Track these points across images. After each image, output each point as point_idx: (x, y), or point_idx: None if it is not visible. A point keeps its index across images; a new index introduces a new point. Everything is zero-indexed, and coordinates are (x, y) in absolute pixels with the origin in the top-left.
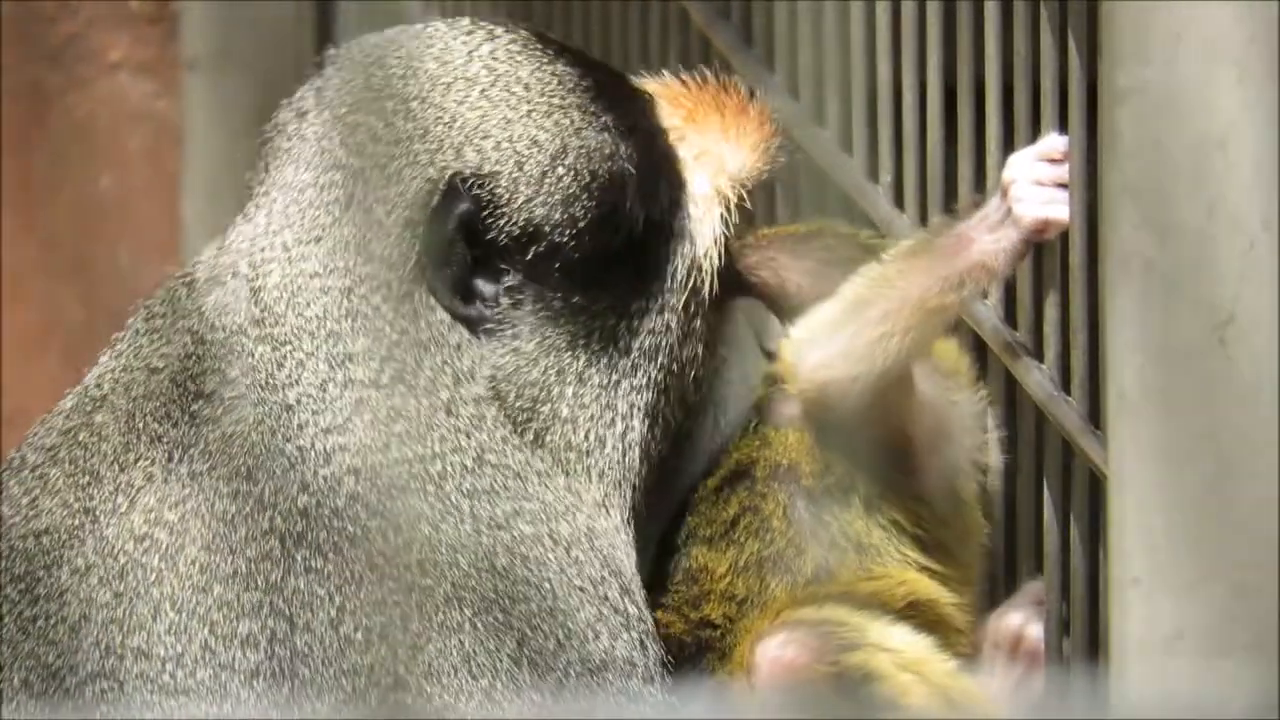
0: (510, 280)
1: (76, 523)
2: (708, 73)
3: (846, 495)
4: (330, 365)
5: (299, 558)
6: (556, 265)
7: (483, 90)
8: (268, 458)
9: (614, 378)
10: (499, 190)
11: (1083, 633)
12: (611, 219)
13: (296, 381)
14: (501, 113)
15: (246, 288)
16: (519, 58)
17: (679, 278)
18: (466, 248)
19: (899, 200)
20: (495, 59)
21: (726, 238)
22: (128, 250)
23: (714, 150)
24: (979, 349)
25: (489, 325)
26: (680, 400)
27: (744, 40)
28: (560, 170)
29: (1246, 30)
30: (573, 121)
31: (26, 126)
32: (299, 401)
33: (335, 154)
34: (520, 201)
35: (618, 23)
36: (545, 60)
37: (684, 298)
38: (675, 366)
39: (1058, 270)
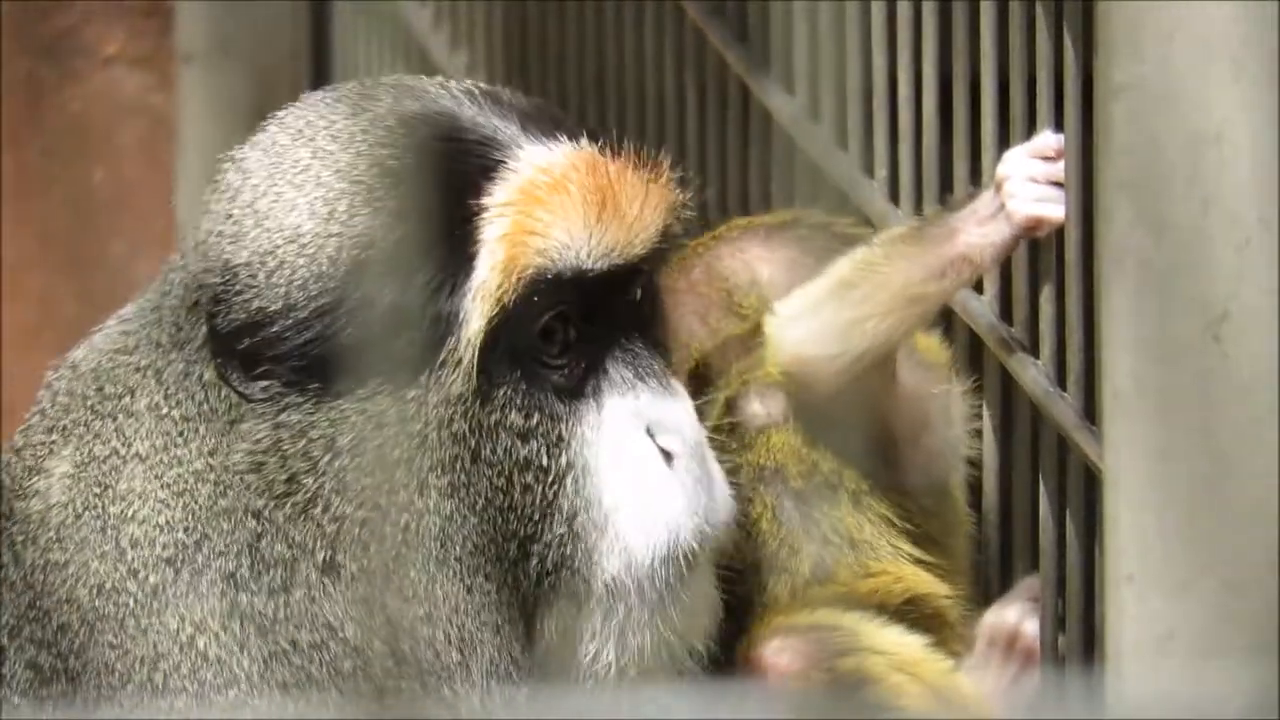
0: (259, 367)
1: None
2: (606, 139)
3: (834, 492)
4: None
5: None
6: (295, 350)
7: (289, 178)
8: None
9: (393, 455)
10: (236, 281)
11: (1078, 629)
12: (341, 306)
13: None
14: (280, 201)
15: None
16: (345, 141)
17: (445, 371)
18: (213, 334)
19: (894, 195)
20: (323, 140)
21: (524, 332)
22: (123, 243)
23: (520, 231)
24: (974, 344)
25: (254, 404)
26: (504, 492)
27: (739, 36)
28: (285, 258)
29: (1242, 27)
30: (343, 209)
31: (22, 120)
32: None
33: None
34: (248, 294)
35: (612, 21)
36: (367, 144)
37: (453, 391)
38: (470, 459)
39: (1053, 266)
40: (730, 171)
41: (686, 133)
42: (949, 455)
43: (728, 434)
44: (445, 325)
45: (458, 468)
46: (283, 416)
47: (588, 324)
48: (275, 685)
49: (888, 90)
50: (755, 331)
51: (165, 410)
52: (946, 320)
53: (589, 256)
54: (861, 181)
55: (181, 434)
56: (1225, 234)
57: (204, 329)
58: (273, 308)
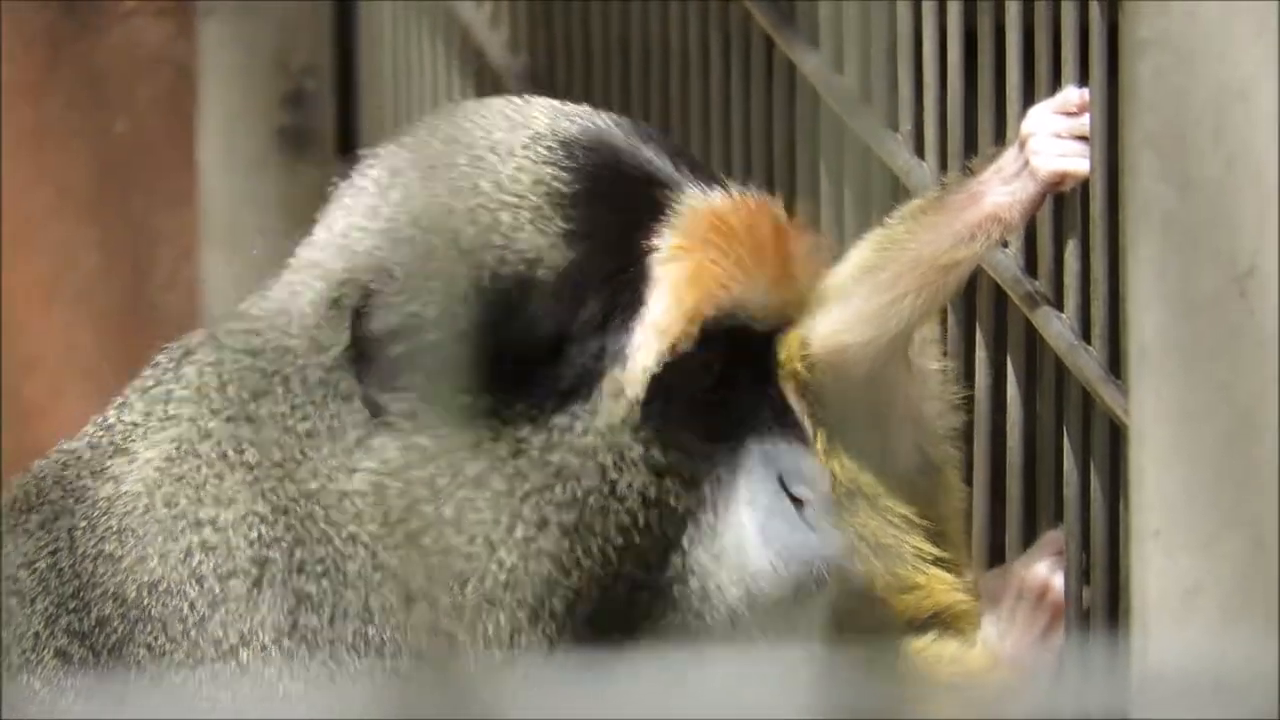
0: (401, 378)
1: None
2: (761, 194)
3: (853, 500)
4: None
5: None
6: (442, 364)
7: (445, 182)
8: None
9: (523, 488)
10: (390, 282)
11: (1103, 582)
12: (507, 325)
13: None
14: (436, 202)
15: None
16: (505, 154)
17: (600, 401)
18: (357, 338)
19: (919, 149)
20: (481, 150)
21: (685, 374)
22: (143, 196)
23: (703, 277)
24: (999, 298)
25: (387, 418)
26: (627, 531)
27: None
28: (445, 264)
29: None
30: (507, 221)
31: (43, 72)
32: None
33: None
34: (401, 297)
35: None
36: (530, 160)
37: (604, 422)
38: (605, 492)
39: (1078, 219)
40: (754, 126)
41: (711, 86)
42: (941, 431)
43: None
44: (609, 358)
45: (588, 503)
46: (416, 438)
47: (739, 369)
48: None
49: (912, 43)
50: None
51: (290, 423)
52: (970, 274)
53: (762, 311)
54: (885, 135)
55: (302, 451)
56: (1250, 189)
57: (345, 333)
58: (428, 315)
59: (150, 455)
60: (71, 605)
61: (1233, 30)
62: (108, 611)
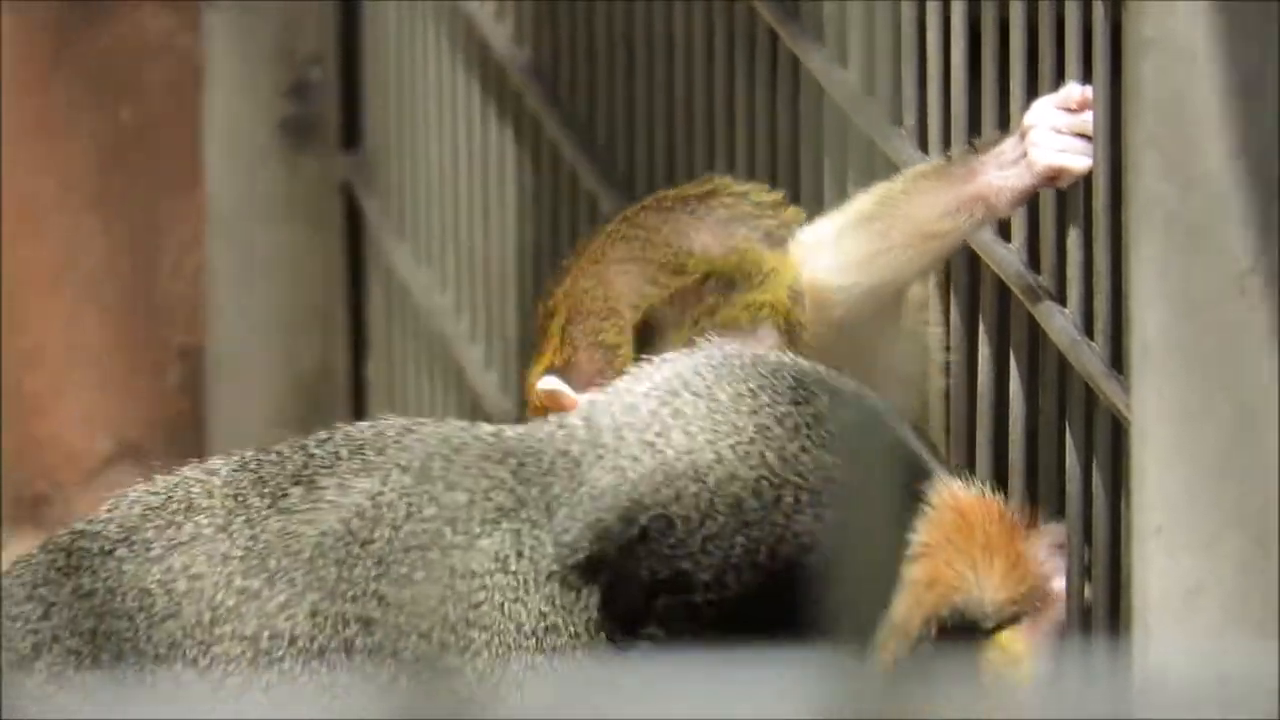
0: (646, 626)
1: None
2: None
3: None
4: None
5: None
6: (698, 626)
7: (730, 443)
8: None
9: None
10: (669, 534)
11: (1104, 580)
12: (762, 600)
13: None
14: (720, 465)
15: None
16: (791, 432)
17: None
18: (620, 571)
19: (922, 143)
20: (766, 418)
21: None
22: (147, 185)
23: (942, 580)
24: (1001, 292)
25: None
26: None
27: None
28: (725, 531)
29: None
30: (788, 501)
31: (48, 61)
32: None
33: None
34: (675, 551)
35: None
36: (813, 443)
37: None
38: None
39: (1081, 214)
40: (758, 120)
41: (715, 80)
42: (924, 390)
43: None
44: (851, 654)
45: None
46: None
47: None
48: None
49: (916, 39)
50: (705, 281)
51: (511, 565)
52: (973, 267)
53: (985, 615)
54: (889, 130)
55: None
56: (1253, 187)
57: (600, 547)
58: (698, 578)
59: (337, 499)
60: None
61: (1235, 29)
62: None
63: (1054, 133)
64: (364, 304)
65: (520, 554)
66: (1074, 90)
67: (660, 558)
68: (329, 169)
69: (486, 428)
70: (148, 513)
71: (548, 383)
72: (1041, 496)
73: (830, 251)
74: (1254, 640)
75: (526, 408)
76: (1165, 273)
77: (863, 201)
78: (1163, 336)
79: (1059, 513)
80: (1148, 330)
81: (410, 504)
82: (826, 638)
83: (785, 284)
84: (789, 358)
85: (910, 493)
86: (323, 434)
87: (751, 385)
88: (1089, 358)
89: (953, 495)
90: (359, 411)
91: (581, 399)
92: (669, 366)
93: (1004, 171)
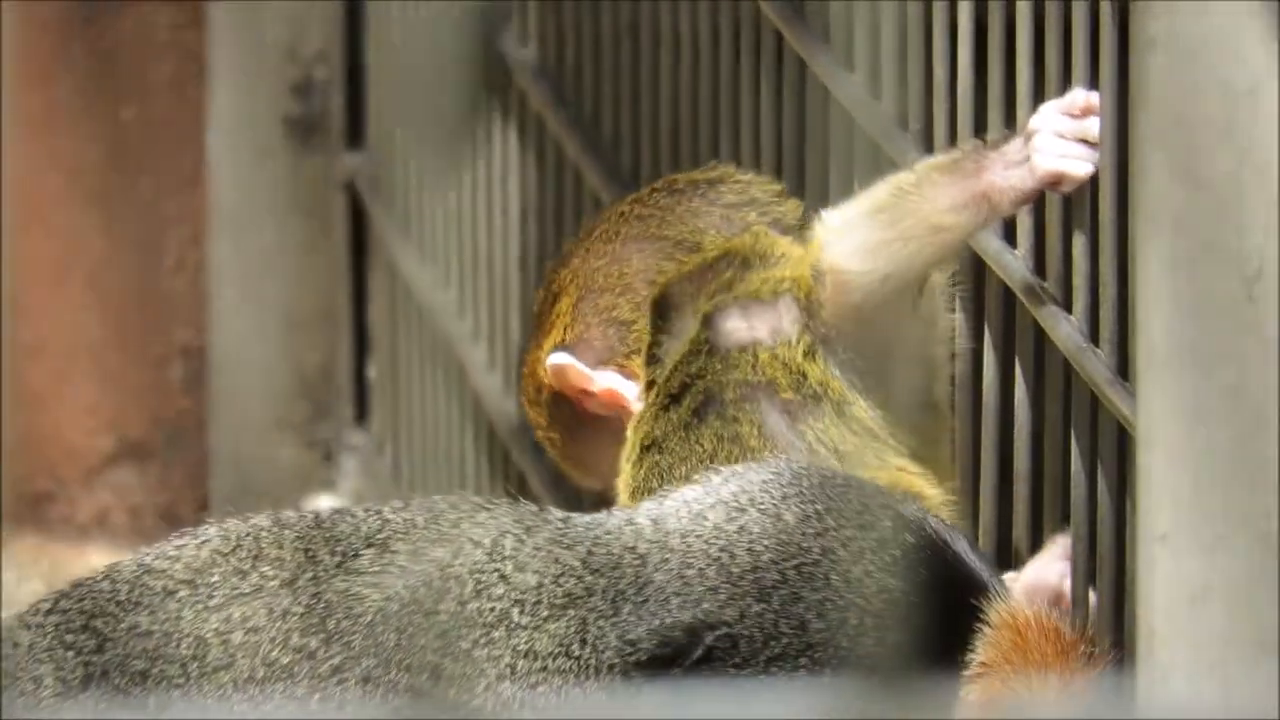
0: None
1: None
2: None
3: (819, 403)
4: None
5: None
6: None
7: (786, 557)
8: None
9: None
10: (733, 649)
11: (1110, 585)
12: None
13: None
14: (801, 591)
15: None
16: (855, 555)
17: None
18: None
19: (929, 147)
20: (832, 540)
21: None
22: (151, 181)
23: (998, 699)
24: (1007, 298)
25: None
26: None
27: None
28: (803, 660)
29: None
30: (853, 624)
31: (52, 57)
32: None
33: None
34: (746, 670)
35: None
36: (876, 568)
37: None
38: None
39: (1087, 220)
40: (764, 122)
41: (720, 82)
42: (943, 374)
43: (706, 355)
44: None
45: None
46: None
47: None
48: None
49: (922, 41)
50: (722, 258)
51: (574, 651)
52: (979, 274)
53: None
54: (895, 133)
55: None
56: (1260, 190)
57: (658, 657)
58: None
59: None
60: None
61: (1242, 29)
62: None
63: (1058, 138)
64: (367, 302)
65: (584, 641)
66: (1079, 96)
67: (725, 675)
68: (332, 167)
69: (556, 513)
70: (215, 557)
71: (558, 358)
72: (1046, 503)
73: (851, 236)
74: (1260, 646)
75: (522, 393)
76: (1172, 276)
77: (879, 190)
78: (1169, 340)
79: (1064, 520)
80: (1154, 334)
81: (479, 580)
82: None
83: (809, 261)
84: (854, 478)
85: (969, 612)
86: (398, 501)
87: (819, 507)
88: (1094, 365)
89: (1010, 612)
90: (361, 410)
91: (645, 506)
92: (736, 480)
93: (1008, 172)
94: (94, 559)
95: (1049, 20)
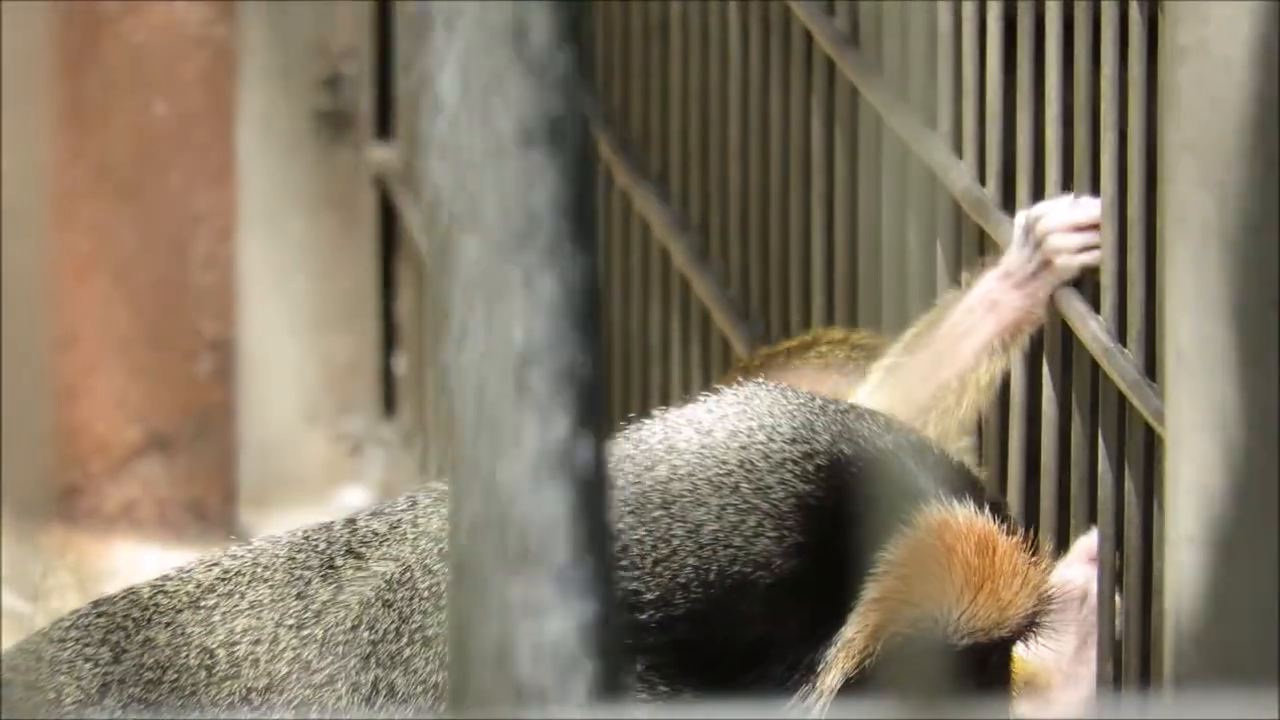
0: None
1: None
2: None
3: None
4: None
5: None
6: (652, 647)
7: (710, 474)
8: None
9: None
10: (624, 556)
11: (1137, 586)
12: (713, 620)
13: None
14: (693, 493)
15: None
16: (775, 464)
17: (789, 708)
18: None
19: (957, 148)
20: (754, 455)
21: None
22: (181, 176)
23: (902, 599)
24: None
25: None
26: None
27: None
28: (678, 551)
29: None
30: (751, 525)
31: (82, 50)
32: None
33: None
34: (630, 574)
35: None
36: (793, 475)
37: None
38: None
39: (1115, 222)
40: (793, 122)
41: (750, 82)
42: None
43: None
44: (803, 671)
45: None
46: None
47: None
48: None
49: (952, 42)
50: None
51: None
52: None
53: (954, 633)
54: (924, 133)
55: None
56: None
57: None
58: (648, 596)
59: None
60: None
61: (1272, 38)
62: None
63: (1073, 232)
64: (395, 296)
65: None
66: (1086, 206)
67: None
68: (362, 161)
69: None
70: (225, 576)
71: None
72: (1073, 503)
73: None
74: None
75: None
76: (1199, 280)
77: (882, 390)
78: (1197, 343)
79: (1090, 520)
80: (1181, 337)
81: (429, 565)
82: (773, 656)
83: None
84: (832, 403)
85: (889, 518)
86: (370, 508)
87: (753, 424)
88: (1122, 366)
89: (943, 519)
90: (389, 404)
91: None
92: (712, 404)
93: (1025, 288)
94: (121, 550)
95: (1078, 20)
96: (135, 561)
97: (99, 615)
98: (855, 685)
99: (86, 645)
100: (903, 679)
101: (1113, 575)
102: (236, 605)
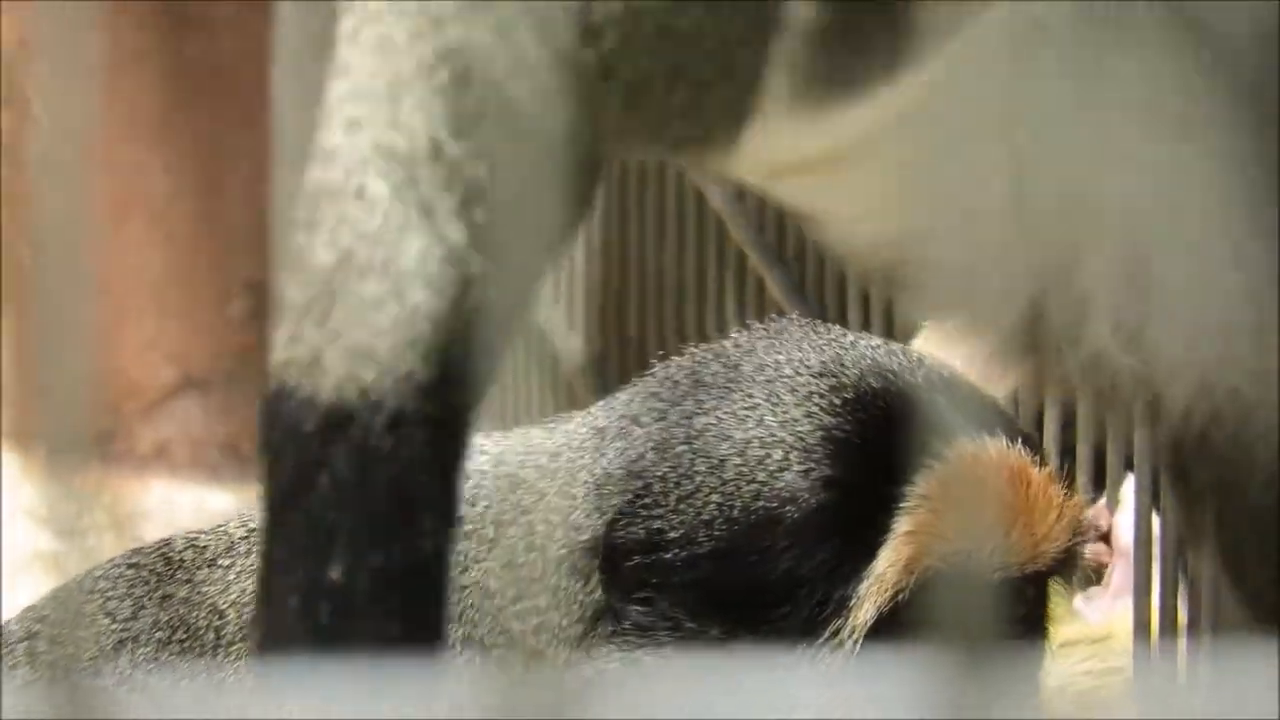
0: (640, 590)
1: None
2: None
3: None
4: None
5: None
6: (677, 584)
7: (735, 408)
8: None
9: None
10: (647, 493)
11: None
12: (746, 559)
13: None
14: (717, 426)
15: None
16: (802, 397)
17: (822, 644)
18: (607, 544)
19: None
20: (780, 388)
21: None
22: (214, 118)
23: (935, 533)
24: None
25: (623, 631)
26: None
27: None
28: (702, 487)
29: None
30: (776, 459)
31: None
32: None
33: None
34: (654, 511)
35: None
36: (819, 408)
37: (819, 664)
38: None
39: None
40: None
41: None
42: None
43: None
44: (833, 607)
45: None
46: (639, 652)
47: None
48: None
49: None
50: None
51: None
52: None
53: (988, 567)
54: None
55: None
56: None
57: (601, 530)
58: (672, 535)
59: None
60: None
61: None
62: None
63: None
64: None
65: (531, 548)
66: None
67: (636, 519)
68: None
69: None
70: (249, 534)
71: None
72: (1110, 461)
73: None
74: None
75: None
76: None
77: None
78: None
79: (1126, 467)
80: None
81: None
82: (802, 592)
83: None
84: (863, 338)
85: (917, 451)
86: None
87: (780, 358)
88: None
89: (975, 452)
90: None
91: None
92: (741, 339)
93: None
94: (155, 491)
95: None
96: (169, 502)
97: (129, 566)
98: (888, 621)
99: (111, 598)
100: (936, 613)
101: (1148, 522)
102: (253, 565)
